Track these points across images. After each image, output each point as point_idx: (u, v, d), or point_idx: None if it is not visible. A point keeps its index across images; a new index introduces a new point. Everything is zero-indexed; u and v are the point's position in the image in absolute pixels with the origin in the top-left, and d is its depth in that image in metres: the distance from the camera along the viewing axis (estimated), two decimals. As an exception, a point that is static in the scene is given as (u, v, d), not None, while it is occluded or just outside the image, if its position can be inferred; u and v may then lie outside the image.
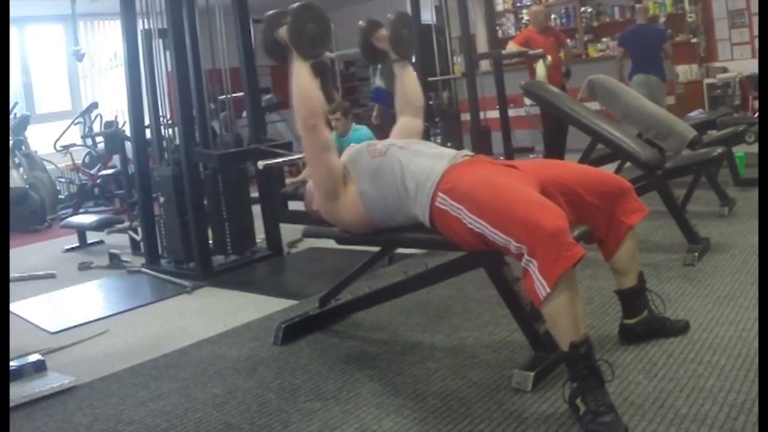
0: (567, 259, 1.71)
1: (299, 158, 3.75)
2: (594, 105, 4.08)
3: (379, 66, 6.89)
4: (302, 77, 2.25)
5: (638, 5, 7.63)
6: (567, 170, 2.15)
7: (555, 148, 5.97)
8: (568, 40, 8.69)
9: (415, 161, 2.15)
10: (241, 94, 4.36)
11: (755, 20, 7.43)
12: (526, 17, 8.78)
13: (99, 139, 7.54)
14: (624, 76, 6.44)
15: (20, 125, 7.22)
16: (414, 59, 6.19)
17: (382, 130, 5.78)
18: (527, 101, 6.99)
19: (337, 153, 2.34)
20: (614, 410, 1.69)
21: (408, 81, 2.61)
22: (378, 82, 7.00)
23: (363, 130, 5.11)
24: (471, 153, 2.24)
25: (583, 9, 8.59)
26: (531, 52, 6.04)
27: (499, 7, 9.05)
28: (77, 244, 5.31)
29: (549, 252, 1.72)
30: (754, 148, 4.65)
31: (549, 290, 1.72)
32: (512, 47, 6.15)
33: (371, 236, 2.33)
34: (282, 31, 2.27)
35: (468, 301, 2.87)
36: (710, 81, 7.65)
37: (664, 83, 6.52)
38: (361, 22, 2.61)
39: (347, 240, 2.47)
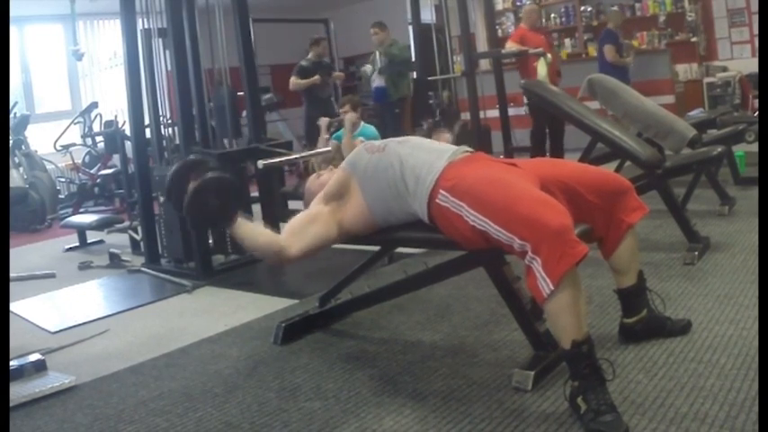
0: (571, 257, 1.71)
1: (299, 158, 3.76)
2: (594, 104, 4.08)
3: (379, 64, 6.89)
4: (244, 239, 2.21)
5: (611, 9, 7.63)
6: (568, 169, 2.15)
7: (541, 148, 6.01)
8: (567, 39, 8.74)
9: (415, 155, 2.15)
10: (241, 93, 4.36)
11: (755, 18, 7.42)
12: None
13: (99, 138, 7.54)
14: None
15: (20, 125, 7.20)
16: (403, 52, 6.25)
17: (385, 129, 5.80)
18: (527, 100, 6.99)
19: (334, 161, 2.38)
20: (615, 409, 1.69)
21: None
22: (377, 81, 7.00)
23: (370, 128, 5.13)
24: (471, 149, 2.25)
25: (583, 8, 8.58)
26: (532, 51, 6.05)
27: (499, 6, 9.04)
28: (77, 243, 5.31)
29: (553, 249, 1.72)
30: (754, 147, 4.65)
31: (552, 287, 1.72)
32: (510, 45, 6.16)
33: (371, 235, 2.33)
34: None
35: (469, 300, 2.87)
36: (710, 80, 7.65)
37: None
38: (425, 125, 2.78)
39: (347, 240, 2.47)
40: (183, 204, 2.19)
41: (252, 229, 2.24)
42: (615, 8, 7.64)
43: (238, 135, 5.02)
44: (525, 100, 6.86)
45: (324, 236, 2.24)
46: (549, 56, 5.94)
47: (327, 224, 2.24)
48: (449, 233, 2.04)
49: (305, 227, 2.25)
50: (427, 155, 2.14)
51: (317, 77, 6.85)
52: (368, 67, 7.31)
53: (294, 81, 6.91)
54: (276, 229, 4.34)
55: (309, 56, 7.09)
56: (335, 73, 7.64)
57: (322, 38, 7.48)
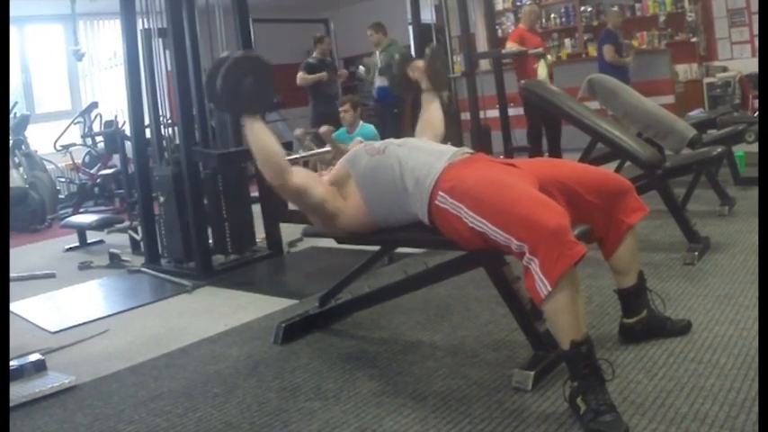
0: (568, 257, 1.71)
1: (299, 158, 3.76)
2: (594, 104, 4.08)
3: (378, 65, 6.89)
4: (256, 138, 2.13)
5: (611, 9, 7.63)
6: (567, 169, 2.15)
7: (538, 148, 6.02)
8: (567, 39, 8.75)
9: (414, 157, 2.15)
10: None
11: (755, 19, 7.42)
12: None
13: (99, 138, 7.54)
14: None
15: (20, 125, 7.21)
16: (402, 51, 6.20)
17: (384, 129, 5.80)
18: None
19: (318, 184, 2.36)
20: (615, 409, 1.69)
21: (435, 111, 2.71)
22: (379, 81, 7.00)
23: (370, 128, 5.13)
24: (471, 150, 2.24)
25: (583, 8, 8.59)
26: (532, 51, 6.05)
27: (499, 6, 9.05)
28: (77, 243, 5.31)
29: (550, 250, 1.72)
30: (754, 148, 4.65)
31: (550, 288, 1.72)
32: (510, 45, 6.17)
33: (371, 235, 2.33)
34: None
35: (469, 300, 2.87)
36: (710, 80, 7.65)
37: None
38: (397, 55, 2.72)
39: (347, 240, 2.47)
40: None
41: (268, 135, 2.16)
42: (615, 8, 7.64)
43: (240, 144, 5.02)
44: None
45: (320, 198, 2.23)
46: (548, 57, 5.95)
47: (328, 195, 2.24)
48: (448, 234, 2.04)
49: (312, 178, 2.27)
50: (426, 157, 2.13)
51: (323, 74, 6.88)
52: (361, 69, 7.34)
53: (302, 76, 6.92)
54: (276, 230, 4.37)
55: (315, 53, 7.11)
56: (340, 71, 7.69)
57: (325, 35, 7.51)
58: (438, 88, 2.71)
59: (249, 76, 2.12)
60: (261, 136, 2.13)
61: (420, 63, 2.67)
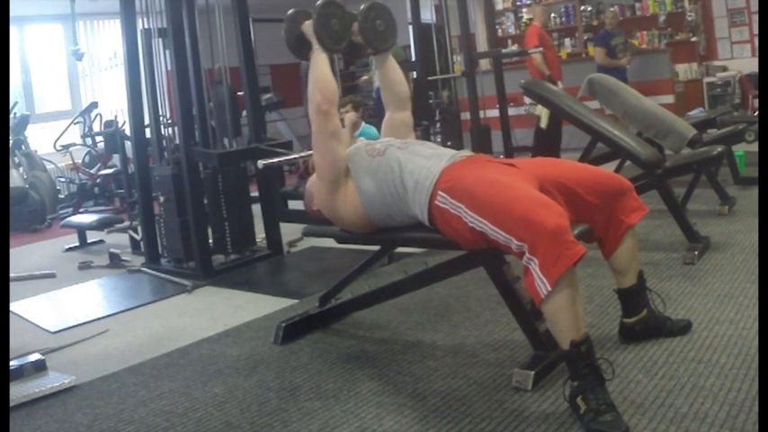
0: (567, 257, 1.71)
1: (299, 157, 3.76)
2: (594, 104, 4.08)
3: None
4: (321, 67, 2.32)
5: (609, 9, 7.64)
6: (567, 169, 2.15)
7: (541, 149, 6.03)
8: (567, 39, 8.77)
9: (414, 160, 2.15)
10: (241, 93, 4.37)
11: (755, 18, 7.43)
12: (527, 15, 8.79)
13: (99, 138, 7.53)
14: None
15: (20, 125, 7.20)
16: (398, 52, 6.14)
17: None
18: (527, 99, 7.02)
19: (345, 145, 2.35)
20: (615, 409, 1.69)
21: (390, 72, 2.56)
22: (377, 81, 7.01)
23: (371, 128, 5.12)
24: (471, 153, 2.24)
25: (583, 8, 8.59)
26: (530, 51, 6.07)
27: (499, 6, 9.05)
28: (77, 243, 5.31)
29: (549, 250, 1.72)
30: (754, 147, 4.66)
31: (549, 288, 1.72)
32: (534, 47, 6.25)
33: (371, 235, 2.33)
34: (306, 27, 2.35)
35: (469, 299, 2.87)
36: (710, 80, 7.65)
37: None
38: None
39: (347, 239, 2.47)
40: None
41: (329, 67, 2.35)
42: (613, 8, 7.63)
43: (238, 134, 5.02)
44: (527, 100, 6.91)
45: (341, 154, 2.28)
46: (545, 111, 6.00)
47: (344, 161, 2.28)
48: (448, 235, 2.04)
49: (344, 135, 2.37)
50: (426, 160, 2.13)
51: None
52: (364, 79, 7.38)
53: None
54: (276, 230, 4.36)
55: None
56: None
57: None
58: (379, 50, 2.53)
59: (336, 18, 2.38)
60: (324, 65, 2.33)
61: (356, 25, 2.48)
